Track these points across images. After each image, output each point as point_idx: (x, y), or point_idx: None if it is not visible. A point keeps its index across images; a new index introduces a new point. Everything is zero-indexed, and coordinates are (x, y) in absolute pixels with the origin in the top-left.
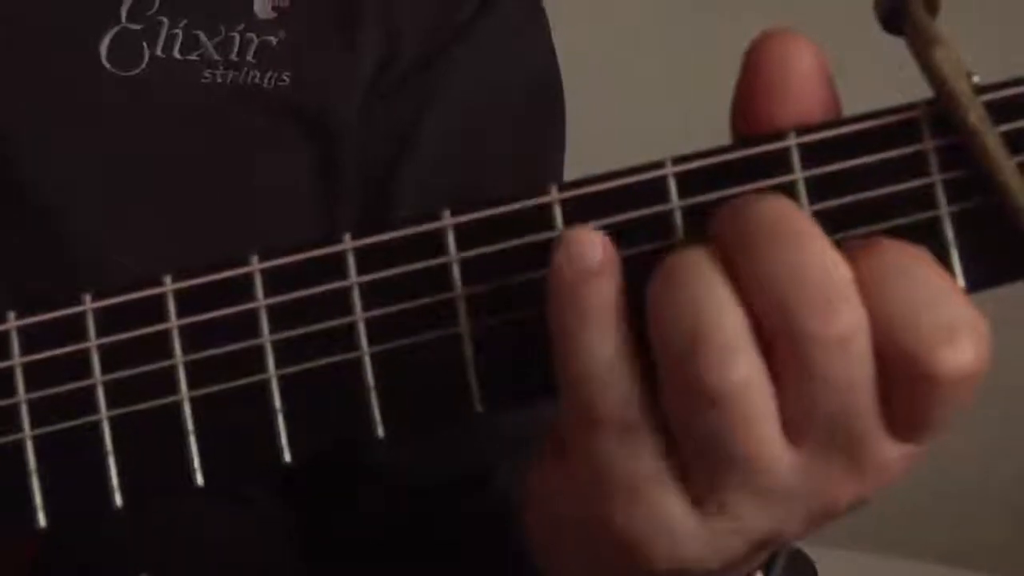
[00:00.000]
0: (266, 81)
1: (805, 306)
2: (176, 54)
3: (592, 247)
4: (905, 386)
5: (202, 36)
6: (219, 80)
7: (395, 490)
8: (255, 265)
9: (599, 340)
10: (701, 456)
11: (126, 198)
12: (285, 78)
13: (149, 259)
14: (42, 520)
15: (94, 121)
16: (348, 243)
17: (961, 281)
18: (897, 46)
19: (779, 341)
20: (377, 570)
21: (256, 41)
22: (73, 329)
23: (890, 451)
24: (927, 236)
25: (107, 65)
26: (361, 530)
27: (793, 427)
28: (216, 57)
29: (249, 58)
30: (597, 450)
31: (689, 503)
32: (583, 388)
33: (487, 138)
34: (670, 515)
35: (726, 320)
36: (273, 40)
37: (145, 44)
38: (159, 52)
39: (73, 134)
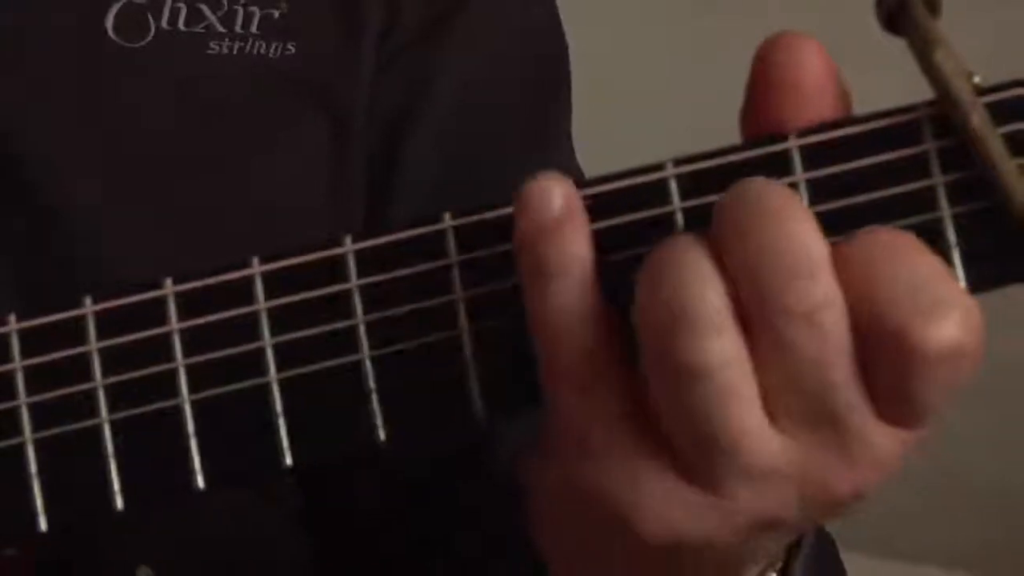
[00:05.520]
0: (272, 51)
1: (776, 280)
2: (181, 26)
3: (549, 200)
4: (889, 364)
5: (205, 9)
6: (225, 51)
7: (391, 474)
8: (256, 268)
9: (558, 293)
10: (685, 434)
11: (131, 177)
12: (291, 47)
13: (156, 242)
14: (43, 524)
15: (98, 93)
16: (348, 246)
17: (963, 283)
18: (898, 47)
19: (755, 317)
20: (379, 558)
21: (259, 14)
22: (74, 332)
23: (880, 435)
24: (929, 238)
25: (113, 37)
26: (360, 517)
27: (774, 405)
28: (221, 29)
29: (253, 30)
30: (559, 404)
31: (678, 474)
32: (543, 338)
33: (490, 111)
34: (651, 479)
35: (707, 297)
36: (275, 13)
37: (151, 17)
38: (164, 24)
39: (77, 108)
